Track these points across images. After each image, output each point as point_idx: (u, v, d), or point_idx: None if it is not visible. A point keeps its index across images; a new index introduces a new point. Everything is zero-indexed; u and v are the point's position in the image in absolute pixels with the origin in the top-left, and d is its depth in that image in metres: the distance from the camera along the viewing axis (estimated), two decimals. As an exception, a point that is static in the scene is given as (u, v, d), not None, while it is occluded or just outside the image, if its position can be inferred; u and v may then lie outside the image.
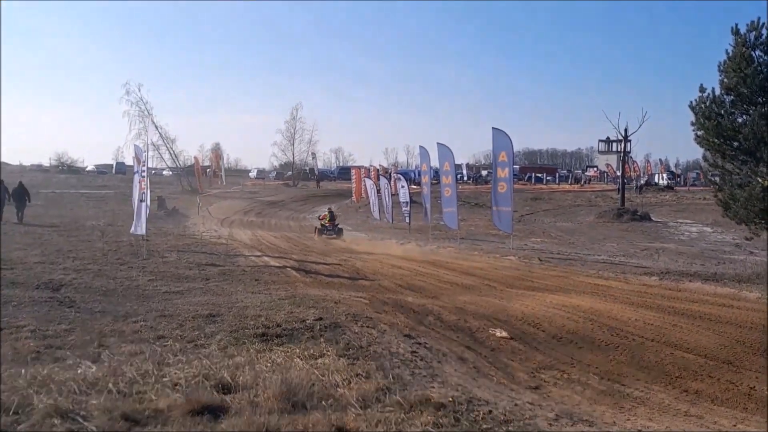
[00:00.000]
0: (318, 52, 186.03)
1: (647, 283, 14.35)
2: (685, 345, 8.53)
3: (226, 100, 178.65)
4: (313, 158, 79.65)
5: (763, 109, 15.09)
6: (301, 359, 6.51)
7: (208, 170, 72.13)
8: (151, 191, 18.80)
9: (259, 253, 19.71)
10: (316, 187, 68.86)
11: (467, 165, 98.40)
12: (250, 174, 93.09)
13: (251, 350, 6.89)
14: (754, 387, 6.77)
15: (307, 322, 8.45)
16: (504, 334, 8.80)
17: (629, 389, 6.62)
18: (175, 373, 5.89)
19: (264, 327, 8.10)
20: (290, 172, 77.83)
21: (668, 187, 65.79)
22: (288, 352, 6.84)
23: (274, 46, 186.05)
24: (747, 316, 10.37)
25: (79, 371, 5.97)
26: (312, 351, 6.88)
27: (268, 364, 6.25)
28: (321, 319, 8.62)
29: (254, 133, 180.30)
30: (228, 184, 72.26)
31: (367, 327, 8.32)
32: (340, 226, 29.75)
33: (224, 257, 17.77)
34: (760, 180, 15.53)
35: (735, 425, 5.54)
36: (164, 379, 5.74)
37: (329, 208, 33.21)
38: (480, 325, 9.33)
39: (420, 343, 7.68)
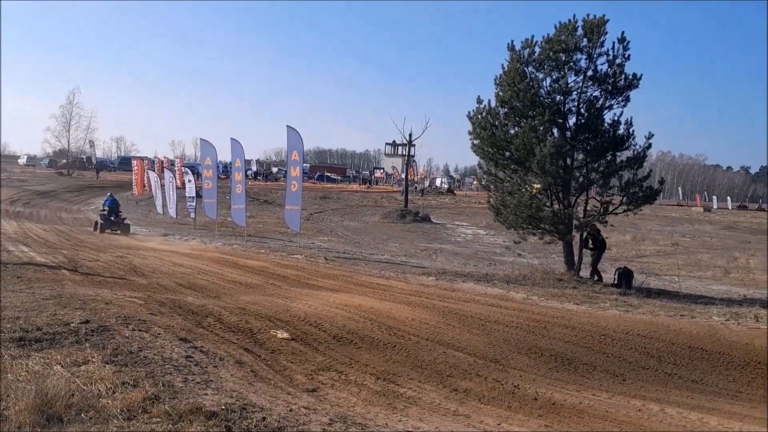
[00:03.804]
0: (100, 34, 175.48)
1: (425, 283, 14.99)
2: (457, 344, 8.95)
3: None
4: (91, 146, 74.52)
5: (533, 122, 16.33)
6: (62, 366, 5.96)
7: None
8: None
9: (25, 248, 18.05)
10: (95, 177, 64.58)
11: (257, 161, 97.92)
12: (19, 161, 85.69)
13: (5, 357, 6.20)
14: (518, 385, 7.21)
15: (72, 325, 7.78)
16: (285, 335, 8.70)
17: (403, 389, 6.77)
18: None
19: (22, 330, 7.33)
20: (65, 161, 72.41)
21: (449, 191, 69.47)
22: (47, 358, 6.23)
23: (48, 21, 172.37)
24: (513, 315, 11.14)
25: None
26: (75, 357, 6.33)
27: (24, 373, 5.65)
28: (88, 321, 7.99)
29: (25, 117, 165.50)
30: (-8, 170, 65.77)
31: (140, 330, 7.83)
32: (126, 220, 26.94)
33: (-18, 252, 16.04)
34: (527, 188, 16.83)
35: (499, 424, 5.82)
36: None
37: (111, 194, 27.58)
38: (262, 326, 9.16)
39: (196, 347, 7.35)
